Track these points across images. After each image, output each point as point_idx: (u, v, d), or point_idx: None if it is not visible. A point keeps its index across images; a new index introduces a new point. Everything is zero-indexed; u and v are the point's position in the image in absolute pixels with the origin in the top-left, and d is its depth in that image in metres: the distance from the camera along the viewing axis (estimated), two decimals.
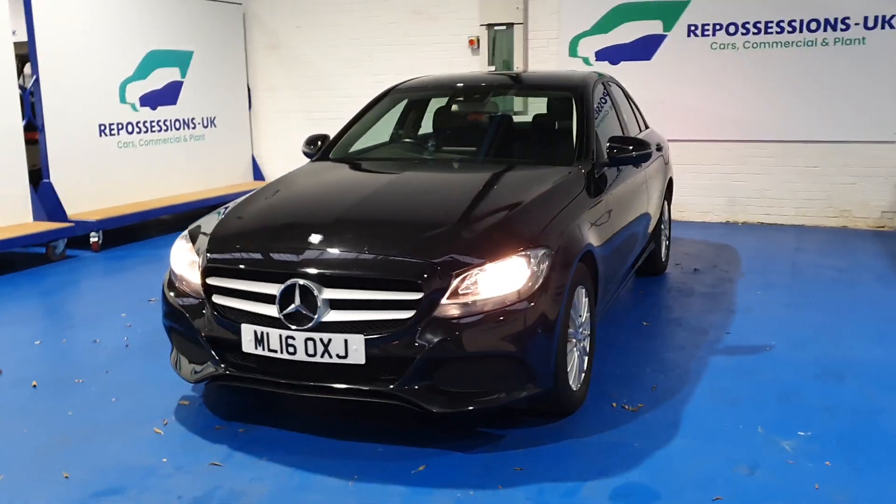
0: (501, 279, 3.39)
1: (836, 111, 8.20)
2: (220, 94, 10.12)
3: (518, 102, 5.45)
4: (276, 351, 3.42)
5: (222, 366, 3.58)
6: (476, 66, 9.48)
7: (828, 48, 8.14)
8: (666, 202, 6.49)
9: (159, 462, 3.39)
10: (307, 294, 3.34)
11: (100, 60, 8.30)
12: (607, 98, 5.43)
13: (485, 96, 5.32)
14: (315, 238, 3.55)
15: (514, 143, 4.98)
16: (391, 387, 3.32)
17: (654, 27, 8.75)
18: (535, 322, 3.38)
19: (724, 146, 8.71)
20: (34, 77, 7.67)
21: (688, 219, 8.92)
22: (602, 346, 4.74)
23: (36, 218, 7.70)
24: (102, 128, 8.42)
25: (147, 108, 9.00)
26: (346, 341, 3.31)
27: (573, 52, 9.07)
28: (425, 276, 3.31)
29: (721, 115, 8.60)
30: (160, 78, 9.15)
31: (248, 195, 4.34)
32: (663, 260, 6.45)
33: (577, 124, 4.72)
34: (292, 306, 3.36)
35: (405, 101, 5.48)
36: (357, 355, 3.31)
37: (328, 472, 3.28)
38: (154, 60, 9.03)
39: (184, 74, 9.50)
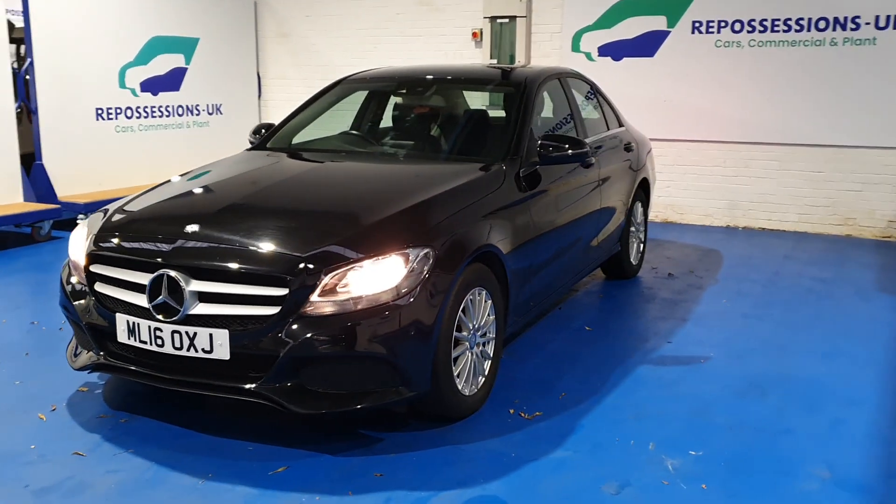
0: (376, 278, 3.28)
1: (844, 114, 7.83)
2: (228, 82, 10.16)
3: (465, 97, 5.30)
4: (146, 342, 3.37)
5: (101, 353, 3.55)
6: (479, 58, 9.34)
7: (836, 48, 7.76)
8: (640, 204, 6.26)
9: (27, 448, 3.37)
10: (175, 285, 3.28)
11: (99, 44, 8.39)
12: (563, 95, 5.24)
13: (428, 90, 5.19)
14: (191, 227, 3.49)
15: (447, 139, 4.84)
16: (254, 385, 3.23)
17: (657, 23, 8.48)
18: (407, 324, 3.26)
19: (726, 147, 8.40)
20: (28, 59, 7.79)
21: (688, 222, 8.64)
22: (530, 349, 4.59)
23: (27, 199, 7.84)
24: (99, 112, 8.51)
25: (148, 94, 9.08)
26: (210, 336, 3.24)
27: (576, 47, 8.85)
28: (291, 271, 3.21)
29: (724, 116, 8.29)
30: (163, 64, 9.22)
31: (162, 183, 4.30)
32: (633, 263, 6.22)
33: (512, 121, 4.55)
34: (160, 297, 3.30)
35: (356, 93, 5.38)
36: (222, 351, 3.24)
37: (186, 468, 3.22)
38: (157, 46, 9.09)
39: (188, 61, 9.55)
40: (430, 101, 5.13)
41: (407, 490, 3.07)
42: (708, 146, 8.47)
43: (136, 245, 3.51)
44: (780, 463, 3.31)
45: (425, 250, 3.38)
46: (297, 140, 5.06)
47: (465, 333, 3.62)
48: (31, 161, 7.98)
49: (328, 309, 3.21)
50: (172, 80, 9.39)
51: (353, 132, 5.16)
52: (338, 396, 3.28)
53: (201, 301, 3.29)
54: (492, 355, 3.87)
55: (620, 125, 6.16)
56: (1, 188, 7.56)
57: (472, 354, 3.69)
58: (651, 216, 8.65)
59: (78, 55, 8.16)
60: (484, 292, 3.74)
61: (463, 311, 3.58)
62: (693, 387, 4.10)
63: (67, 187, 8.10)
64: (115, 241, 3.58)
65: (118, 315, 3.43)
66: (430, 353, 3.35)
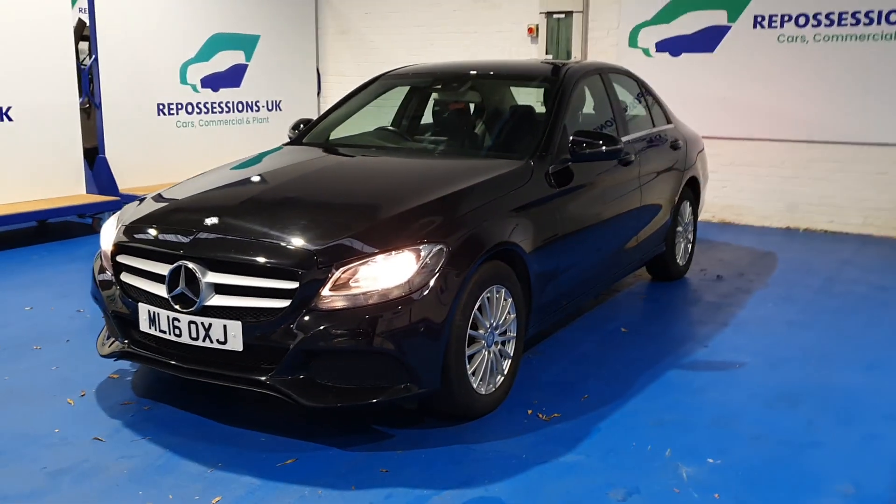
0: (388, 273, 3.27)
1: None
2: (288, 79, 10.30)
3: (504, 93, 5.25)
4: (165, 332, 3.43)
5: (126, 342, 3.64)
6: (535, 54, 9.25)
7: None
8: (688, 203, 6.10)
9: (51, 431, 3.48)
10: (192, 276, 3.33)
11: (161, 41, 8.61)
12: (604, 91, 5.14)
13: (464, 86, 5.15)
14: (210, 220, 3.54)
15: (479, 134, 4.80)
16: (265, 377, 3.26)
17: (718, 17, 8.25)
18: (417, 320, 3.24)
19: (786, 147, 8.12)
20: (93, 56, 8.04)
21: (745, 222, 8.39)
22: (559, 349, 4.52)
23: (90, 191, 8.10)
24: (161, 107, 8.74)
25: (208, 90, 9.27)
26: (225, 327, 3.29)
27: (633, 42, 8.69)
28: (301, 264, 3.23)
29: (785, 114, 8.02)
30: (223, 60, 9.40)
31: (195, 176, 4.38)
32: (680, 264, 6.07)
33: (545, 117, 4.48)
34: (178, 288, 3.36)
35: (396, 88, 5.39)
36: (235, 342, 3.28)
37: (198, 457, 3.27)
38: (218, 43, 9.28)
39: (249, 58, 9.72)
40: (466, 96, 5.09)
41: (409, 487, 3.05)
42: (768, 145, 8.21)
43: (157, 236, 3.58)
44: (802, 477, 3.18)
45: (438, 246, 3.35)
46: (334, 135, 5.09)
47: (481, 332, 3.58)
48: (94, 154, 8.25)
49: (339, 303, 3.21)
50: (233, 77, 9.57)
51: (390, 128, 5.16)
52: (347, 391, 3.28)
53: (217, 293, 3.34)
54: (511, 354, 3.82)
55: (668, 123, 6.01)
56: (65, 180, 7.83)
57: (489, 353, 3.65)
58: (707, 217, 8.45)
59: (141, 52, 8.39)
60: (503, 290, 3.69)
61: (479, 309, 3.54)
62: (721, 394, 3.97)
63: (129, 180, 8.34)
64: (140, 232, 3.65)
65: (140, 304, 3.51)
66: (440, 350, 3.32)
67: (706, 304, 5.53)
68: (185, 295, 3.35)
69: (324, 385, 3.27)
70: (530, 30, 9.18)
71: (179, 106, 8.94)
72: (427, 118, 5.31)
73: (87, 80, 8.16)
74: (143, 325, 3.51)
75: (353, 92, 5.32)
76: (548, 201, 4.11)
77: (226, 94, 9.50)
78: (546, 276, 4.05)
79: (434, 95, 5.33)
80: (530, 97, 5.32)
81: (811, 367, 4.36)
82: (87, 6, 8.11)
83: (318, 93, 10.88)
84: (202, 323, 3.32)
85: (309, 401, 3.23)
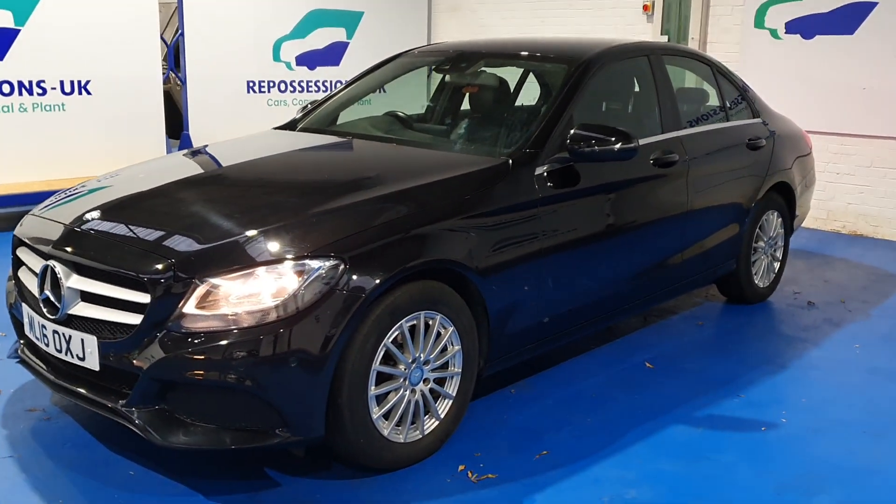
0: (259, 292, 2.69)
1: None
2: None
3: (521, 75, 4.48)
4: (38, 340, 3.03)
5: (21, 342, 3.29)
6: (649, 33, 8.25)
7: None
8: (776, 214, 5.06)
9: None
10: (57, 280, 2.90)
11: (253, 17, 8.39)
12: (650, 77, 4.26)
13: (474, 67, 4.43)
14: (90, 214, 3.09)
15: (469, 124, 4.07)
16: (118, 404, 2.78)
17: None
18: (286, 352, 2.65)
19: None
20: (179, 31, 7.93)
21: (882, 236, 7.05)
22: (552, 384, 3.76)
23: None
24: (251, 84, 8.54)
25: (304, 68, 8.98)
26: (83, 342, 2.83)
27: (759, 22, 7.51)
28: (152, 273, 2.71)
29: None
30: (322, 38, 9.07)
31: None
32: (760, 286, 5.05)
33: (543, 106, 3.71)
34: (45, 292, 2.94)
35: (416, 70, 4.77)
36: (92, 360, 2.83)
37: (42, 489, 2.85)
38: (315, 19, 8.96)
39: (350, 35, 9.34)
40: (476, 80, 4.37)
41: None
42: None
43: (39, 230, 3.17)
44: None
45: (332, 262, 2.73)
46: (343, 119, 4.53)
47: (400, 368, 2.92)
48: (178, 131, 8.17)
49: (197, 324, 2.67)
50: (332, 55, 9.22)
51: (398, 113, 4.53)
52: (209, 432, 2.73)
53: (83, 300, 2.88)
54: (454, 394, 3.14)
55: (755, 117, 4.98)
56: (146, 157, 7.77)
57: (412, 393, 2.99)
58: (836, 227, 7.20)
59: (231, 27, 8.20)
60: (438, 317, 3.01)
61: (397, 339, 2.89)
62: (720, 469, 3.08)
63: None
64: (34, 224, 3.27)
65: (24, 306, 3.13)
66: (321, 390, 2.71)
67: (777, 337, 4.53)
68: (51, 300, 2.92)
69: (182, 421, 2.75)
70: (646, 7, 8.19)
71: (271, 84, 8.70)
72: (443, 103, 4.63)
73: (173, 55, 8.07)
74: (27, 329, 3.14)
75: (366, 72, 4.75)
76: (528, 208, 3.36)
77: (323, 73, 9.16)
78: (516, 299, 3.31)
79: (446, 78, 4.65)
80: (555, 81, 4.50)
81: (867, 439, 3.36)
82: None
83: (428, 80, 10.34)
84: (63, 334, 2.89)
85: (162, 438, 2.71)
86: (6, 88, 6.82)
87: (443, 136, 4.10)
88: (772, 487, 2.97)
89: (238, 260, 2.75)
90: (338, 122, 4.45)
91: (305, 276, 2.70)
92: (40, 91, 7.04)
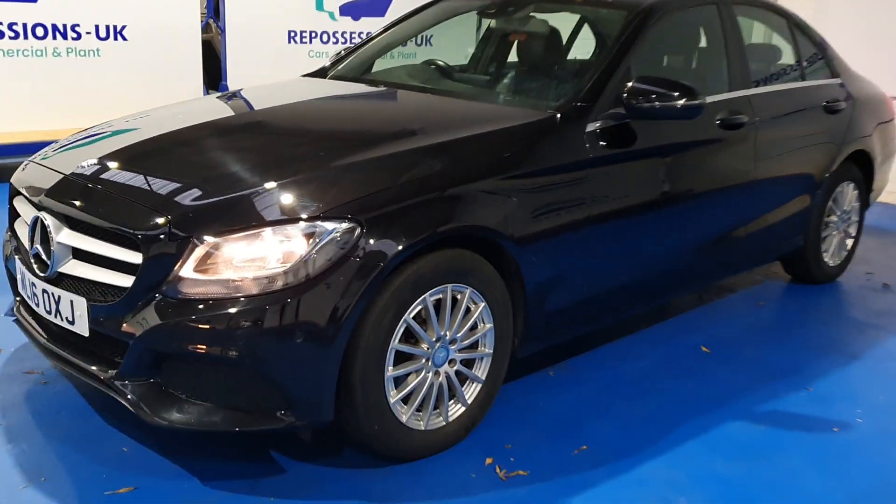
0: (267, 255, 2.37)
1: None
2: None
3: (575, 22, 4.05)
4: (29, 298, 2.77)
5: (17, 300, 3.03)
6: None
7: None
8: (851, 185, 4.59)
9: None
10: (47, 234, 2.62)
11: None
12: (719, 29, 3.80)
13: (524, 11, 4.01)
14: (90, 162, 2.79)
15: (512, 75, 3.66)
16: (110, 374, 2.49)
17: None
18: (293, 325, 2.33)
19: None
20: None
21: None
22: (594, 367, 3.41)
23: None
24: (292, 35, 8.19)
25: (348, 18, 8.60)
26: (72, 303, 2.55)
27: None
28: (145, 229, 2.40)
29: None
30: None
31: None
32: (830, 264, 4.60)
33: (598, 56, 3.30)
34: (34, 247, 2.66)
35: (462, 15, 4.37)
36: (81, 324, 2.54)
37: (26, 466, 2.59)
38: None
39: None
40: (527, 26, 3.96)
41: None
42: None
43: (34, 180, 2.88)
44: None
45: (348, 224, 2.39)
46: (377, 67, 4.17)
47: (422, 347, 2.59)
48: (217, 81, 7.89)
49: (193, 290, 2.36)
50: (377, 5, 8.81)
51: (436, 62, 4.13)
52: (205, 410, 2.44)
53: (76, 258, 2.60)
54: (484, 378, 2.80)
55: (834, 76, 4.49)
56: None
57: (436, 375, 2.66)
58: None
59: None
60: (468, 291, 2.66)
61: (419, 314, 2.55)
62: (790, 473, 2.71)
63: None
64: (30, 172, 2.98)
65: (17, 260, 2.86)
66: (329, 368, 2.39)
67: (847, 322, 4.10)
68: (41, 256, 2.64)
69: (176, 397, 2.45)
70: None
71: (313, 34, 8.34)
72: (488, 51, 4.24)
73: (213, 2, 7.76)
74: (20, 286, 2.87)
75: (404, 17, 4.35)
76: (576, 169, 2.98)
77: (368, 24, 8.76)
78: (557, 272, 2.95)
79: (491, 24, 4.24)
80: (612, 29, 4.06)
81: None
82: None
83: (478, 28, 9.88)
84: (52, 294, 2.60)
85: (155, 416, 2.42)
86: (39, 32, 6.58)
87: (485, 86, 3.72)
88: (844, 498, 2.59)
89: (243, 218, 2.42)
90: (372, 71, 4.09)
91: (317, 240, 2.37)
92: (74, 35, 6.78)
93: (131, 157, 2.85)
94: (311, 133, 3.10)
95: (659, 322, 3.90)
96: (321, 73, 4.06)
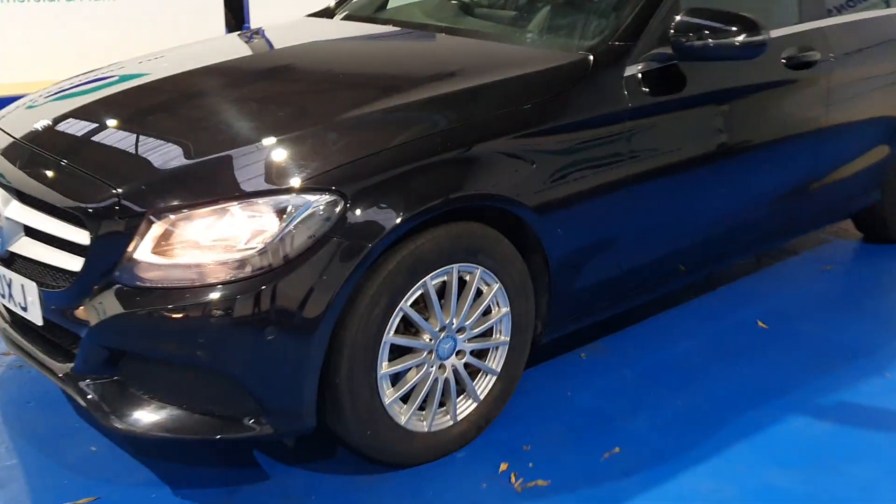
0: (236, 235, 1.99)
1: None
2: None
3: None
4: None
5: None
6: None
7: None
8: None
9: None
10: None
11: None
12: None
13: None
14: (45, 123, 2.43)
15: (547, 13, 3.15)
16: (64, 371, 2.17)
17: None
18: (266, 316, 1.96)
19: None
20: None
21: None
22: (632, 347, 3.00)
23: None
24: None
25: None
26: (23, 288, 2.21)
27: None
28: (93, 206, 2.04)
29: None
30: None
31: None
32: None
33: None
34: None
35: None
36: (34, 311, 2.21)
37: None
38: None
39: None
40: None
41: None
42: None
43: None
44: None
45: (329, 197, 2.00)
46: (393, 3, 3.71)
47: (424, 338, 2.21)
48: (241, 25, 7.49)
49: (153, 274, 2.00)
50: None
51: None
52: (167, 415, 2.10)
53: (28, 235, 2.26)
54: (498, 369, 2.41)
55: None
56: None
57: (440, 369, 2.28)
58: None
59: None
60: (478, 271, 2.25)
61: (418, 300, 2.17)
62: (863, 486, 2.28)
63: None
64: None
65: None
66: (310, 367, 2.02)
67: None
68: None
69: (140, 399, 2.12)
70: None
71: None
72: None
73: None
74: None
75: None
76: (613, 122, 2.52)
77: None
78: (588, 243, 2.53)
79: None
80: None
81: None
82: None
83: None
84: (3, 276, 2.27)
85: (114, 419, 2.09)
86: None
87: (508, 24, 3.23)
88: None
89: (207, 190, 2.05)
90: (387, 8, 3.63)
91: (292, 216, 1.98)
92: None
93: (94, 114, 2.48)
94: (300, 86, 2.68)
95: (707, 293, 3.44)
96: (328, 14, 3.60)
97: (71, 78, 2.95)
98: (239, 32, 3.60)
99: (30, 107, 2.69)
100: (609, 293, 2.70)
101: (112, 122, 2.43)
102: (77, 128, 2.42)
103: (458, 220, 2.20)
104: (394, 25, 3.19)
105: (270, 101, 2.50)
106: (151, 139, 2.29)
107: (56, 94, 2.76)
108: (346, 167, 2.06)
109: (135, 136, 2.35)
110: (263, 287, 1.95)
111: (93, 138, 2.36)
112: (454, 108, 2.31)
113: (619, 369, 2.85)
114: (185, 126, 2.35)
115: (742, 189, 3.05)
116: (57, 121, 2.44)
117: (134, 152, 2.25)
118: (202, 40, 3.39)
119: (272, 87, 2.68)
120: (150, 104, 2.54)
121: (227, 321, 1.95)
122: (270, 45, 3.12)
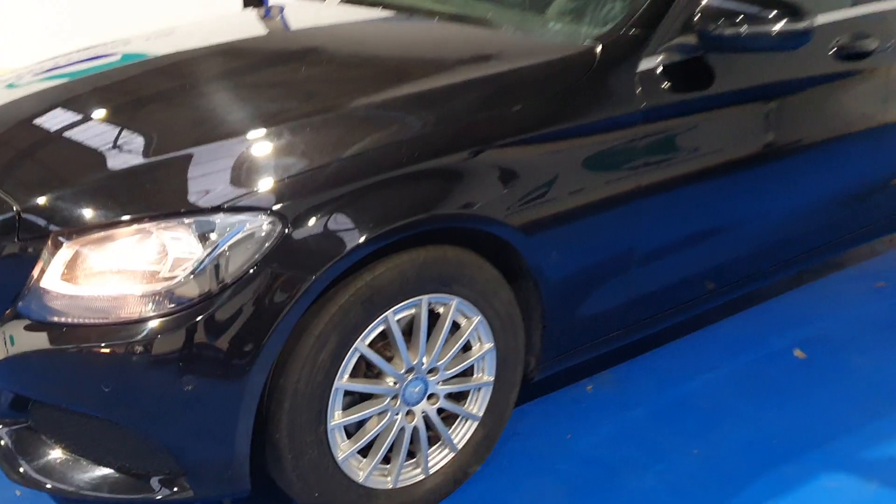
0: (149, 261, 1.67)
1: None
2: None
3: None
4: None
5: None
6: None
7: None
8: None
9: None
10: None
11: None
12: None
13: None
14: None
15: None
16: None
17: None
18: (181, 362, 1.64)
19: None
20: None
21: None
22: (648, 379, 2.62)
23: None
24: None
25: None
26: None
27: None
28: None
29: None
30: None
31: None
32: None
33: None
34: None
35: None
36: None
37: None
38: None
39: None
40: None
41: None
42: None
43: None
44: None
45: (264, 218, 1.66)
46: None
47: (387, 382, 1.87)
48: (260, 1, 7.19)
49: (55, 306, 1.69)
50: None
51: None
52: (80, 471, 1.79)
53: None
54: (480, 414, 2.06)
55: None
56: None
57: (408, 416, 1.94)
58: None
59: None
60: (454, 302, 1.90)
61: (379, 338, 1.83)
62: None
63: None
64: None
65: None
66: (237, 423, 1.69)
67: None
68: None
69: (52, 452, 1.81)
70: None
71: None
72: None
73: None
74: None
75: None
76: (623, 126, 2.14)
77: None
78: (589, 267, 2.16)
79: None
80: None
81: None
82: None
83: None
84: None
85: (11, 471, 1.79)
86: None
87: (507, 8, 2.83)
88: None
89: (125, 207, 1.72)
90: None
91: (220, 241, 1.65)
92: None
93: (40, 105, 2.18)
94: (247, 83, 2.31)
95: (737, 313, 3.03)
96: None
97: (69, 54, 2.66)
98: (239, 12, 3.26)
99: (10, 86, 2.39)
100: (615, 323, 2.32)
101: (51, 120, 2.12)
102: (12, 120, 2.12)
103: (429, 243, 1.85)
104: (387, 8, 2.82)
105: (211, 100, 2.16)
106: (83, 142, 1.99)
107: (39, 73, 2.46)
108: (288, 181, 1.71)
109: (68, 137, 2.04)
110: (184, 326, 1.62)
111: (22, 135, 2.06)
112: (426, 109, 1.94)
113: (629, 408, 2.48)
114: (117, 129, 2.02)
115: (781, 200, 2.64)
116: (14, 108, 2.15)
117: (60, 157, 1.95)
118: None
119: (217, 83, 2.31)
120: (109, 94, 2.23)
121: (139, 367, 1.63)
122: (250, 33, 2.78)
